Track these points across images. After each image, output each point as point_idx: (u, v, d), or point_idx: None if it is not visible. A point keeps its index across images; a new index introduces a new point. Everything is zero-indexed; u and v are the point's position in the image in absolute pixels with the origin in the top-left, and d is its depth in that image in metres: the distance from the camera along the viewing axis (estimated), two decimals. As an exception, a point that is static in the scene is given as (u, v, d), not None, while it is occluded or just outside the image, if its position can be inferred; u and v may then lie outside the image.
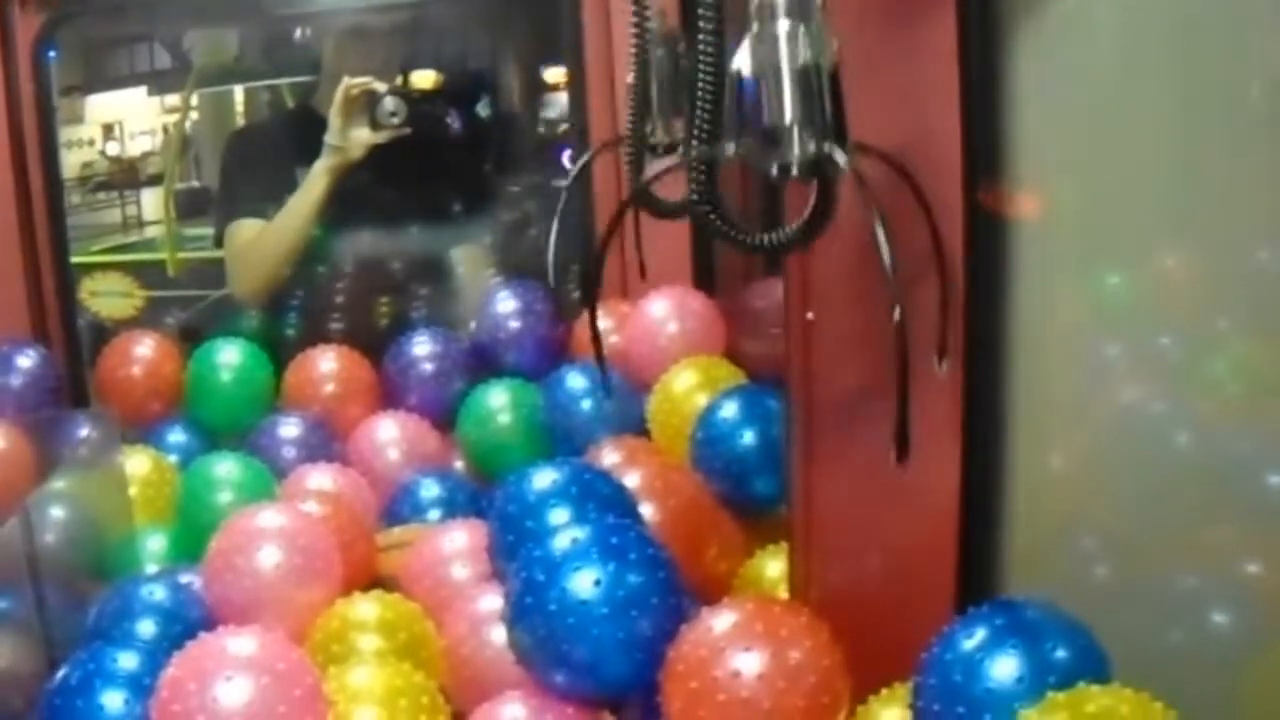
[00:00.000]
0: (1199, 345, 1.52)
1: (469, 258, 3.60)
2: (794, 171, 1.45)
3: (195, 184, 9.21)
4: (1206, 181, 1.46)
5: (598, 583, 1.80)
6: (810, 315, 1.91)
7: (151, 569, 2.57)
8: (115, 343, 3.27)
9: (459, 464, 3.06)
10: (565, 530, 1.91)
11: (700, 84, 1.53)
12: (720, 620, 1.73)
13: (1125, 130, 1.53)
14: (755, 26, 1.47)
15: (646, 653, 1.79)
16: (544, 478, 2.16)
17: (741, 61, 1.47)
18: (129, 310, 4.59)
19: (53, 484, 2.36)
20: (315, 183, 3.27)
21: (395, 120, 3.27)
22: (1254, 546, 1.49)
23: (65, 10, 3.37)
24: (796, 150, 1.43)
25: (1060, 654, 1.45)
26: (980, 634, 1.49)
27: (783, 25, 1.44)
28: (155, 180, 10.46)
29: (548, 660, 1.84)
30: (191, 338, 3.38)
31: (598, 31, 3.25)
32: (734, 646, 1.68)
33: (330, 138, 3.26)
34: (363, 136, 3.26)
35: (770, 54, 1.45)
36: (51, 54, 3.34)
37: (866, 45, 1.66)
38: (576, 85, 3.39)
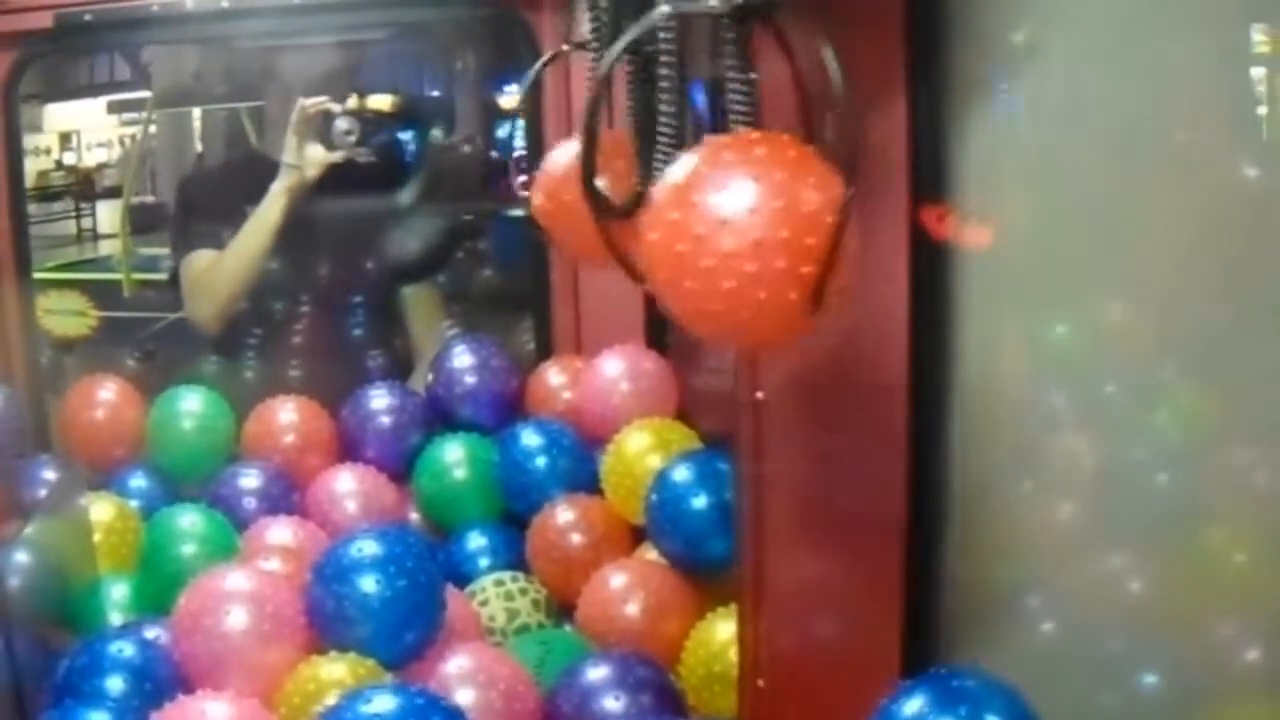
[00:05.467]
0: (1139, 396, 1.56)
1: (420, 299, 3.69)
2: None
3: (150, 199, 9.17)
4: (1146, 236, 1.50)
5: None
6: (760, 395, 2.00)
7: (116, 618, 2.61)
8: (78, 387, 3.30)
9: (414, 516, 3.11)
10: None
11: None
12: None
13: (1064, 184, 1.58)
14: None
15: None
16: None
17: None
18: (83, 329, 4.56)
19: (24, 533, 2.39)
20: (273, 203, 3.32)
21: (350, 139, 3.33)
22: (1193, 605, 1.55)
23: (34, 50, 3.41)
24: None
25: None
26: (919, 703, 1.53)
27: None
28: (112, 193, 10.42)
29: None
30: (147, 359, 3.40)
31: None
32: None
33: (287, 157, 3.31)
34: (318, 155, 3.31)
35: None
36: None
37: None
38: (532, 110, 3.34)
